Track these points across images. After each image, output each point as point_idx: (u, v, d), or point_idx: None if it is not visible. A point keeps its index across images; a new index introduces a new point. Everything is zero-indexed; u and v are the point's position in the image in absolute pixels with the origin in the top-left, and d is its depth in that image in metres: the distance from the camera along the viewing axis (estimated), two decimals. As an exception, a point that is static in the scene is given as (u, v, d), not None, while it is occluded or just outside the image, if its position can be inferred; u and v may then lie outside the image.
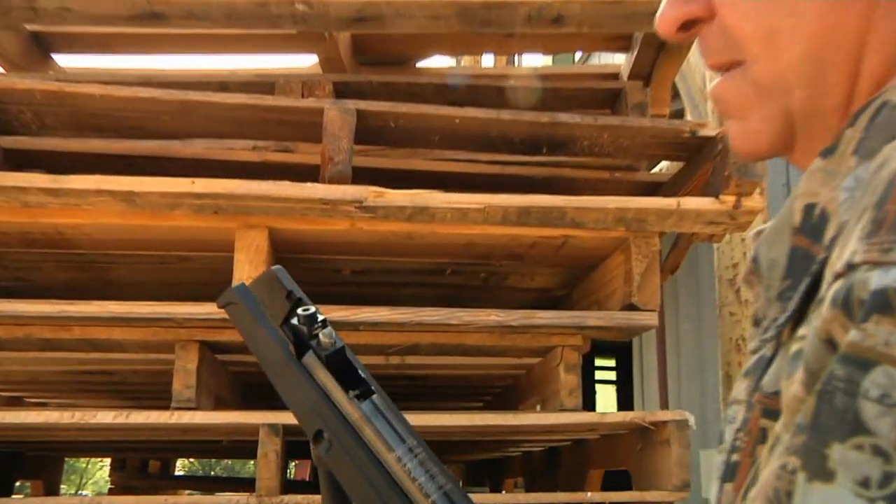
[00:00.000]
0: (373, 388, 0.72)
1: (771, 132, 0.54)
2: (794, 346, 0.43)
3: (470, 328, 1.85)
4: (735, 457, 0.48)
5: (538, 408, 2.18)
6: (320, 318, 0.73)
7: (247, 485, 1.98)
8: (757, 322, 0.52)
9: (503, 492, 3.69)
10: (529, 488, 3.21)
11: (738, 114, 0.55)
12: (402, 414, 0.72)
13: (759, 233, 0.54)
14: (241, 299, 0.77)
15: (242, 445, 2.20)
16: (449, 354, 2.11)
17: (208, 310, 1.73)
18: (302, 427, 0.73)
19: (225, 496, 1.71)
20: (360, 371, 0.73)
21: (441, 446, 3.16)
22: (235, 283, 1.71)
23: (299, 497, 1.70)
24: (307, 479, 6.67)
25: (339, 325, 1.76)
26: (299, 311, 0.73)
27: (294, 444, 1.84)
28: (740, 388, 0.51)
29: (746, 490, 0.44)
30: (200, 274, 2.12)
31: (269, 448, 1.73)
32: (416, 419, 1.73)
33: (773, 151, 0.55)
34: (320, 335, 0.72)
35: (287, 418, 1.69)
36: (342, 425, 0.71)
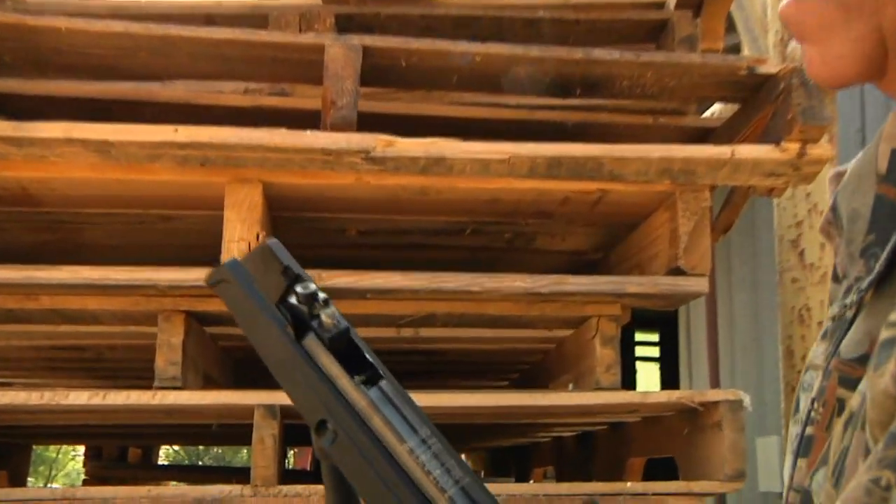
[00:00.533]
0: (381, 372, 0.73)
1: (859, 55, 0.52)
2: (886, 334, 0.42)
3: (493, 296, 1.86)
4: (810, 430, 0.48)
5: (570, 386, 2.19)
6: (321, 296, 0.74)
7: (240, 475, 2.00)
8: (836, 278, 0.52)
9: (531, 482, 3.70)
10: (561, 478, 3.23)
11: (818, 36, 0.53)
12: (413, 401, 0.73)
13: (838, 175, 0.53)
14: (234, 276, 0.77)
15: (235, 430, 2.21)
16: (469, 326, 2.12)
17: (195, 276, 1.74)
18: (303, 417, 0.74)
19: (216, 487, 1.73)
20: (366, 354, 0.74)
21: (461, 431, 3.20)
22: (226, 245, 1.74)
23: (299, 487, 1.73)
24: (308, 468, 6.74)
25: (344, 293, 1.80)
26: (298, 288, 0.74)
27: (293, 429, 1.86)
28: (817, 353, 0.51)
29: (815, 470, 0.44)
30: (186, 235, 2.14)
31: (266, 432, 1.75)
32: (432, 399, 1.77)
33: (860, 77, 0.53)
34: (322, 315, 0.73)
35: (285, 399, 1.64)
36: (348, 414, 0.72)
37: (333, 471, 0.75)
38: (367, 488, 0.71)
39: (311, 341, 0.73)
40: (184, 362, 1.82)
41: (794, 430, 0.51)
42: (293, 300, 0.74)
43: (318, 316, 0.73)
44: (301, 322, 0.74)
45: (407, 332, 2.16)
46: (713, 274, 1.88)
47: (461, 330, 2.19)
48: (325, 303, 0.74)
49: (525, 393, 1.86)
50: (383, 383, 0.73)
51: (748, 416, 1.82)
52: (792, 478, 0.48)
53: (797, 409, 0.52)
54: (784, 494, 0.50)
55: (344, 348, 0.73)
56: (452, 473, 0.70)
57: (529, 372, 3.02)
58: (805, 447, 0.48)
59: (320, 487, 1.67)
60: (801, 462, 0.48)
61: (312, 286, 0.74)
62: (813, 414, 0.48)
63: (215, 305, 1.83)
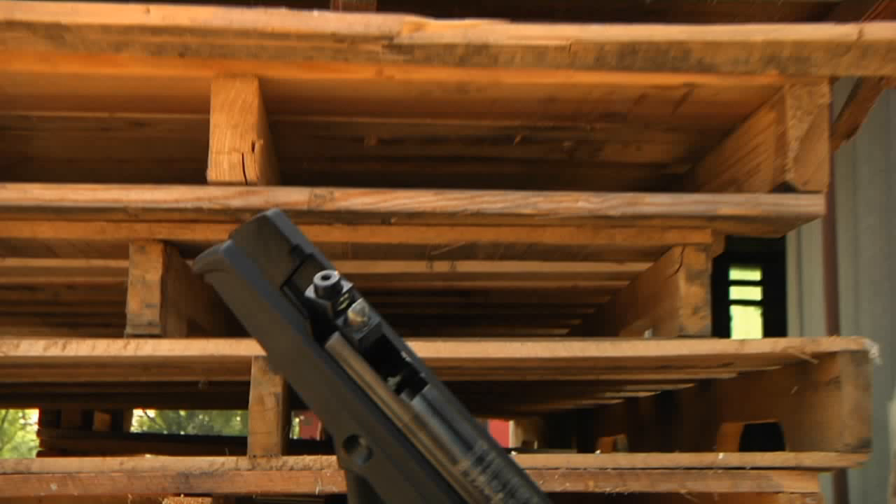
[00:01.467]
0: (423, 376, 0.77)
1: None
2: None
3: (549, 220, 1.86)
4: None
5: (647, 334, 2.20)
6: (346, 286, 0.77)
7: (234, 445, 2.02)
8: None
9: (597, 452, 3.70)
10: (635, 448, 3.25)
11: None
12: (466, 409, 0.77)
13: None
14: (233, 264, 0.80)
15: (227, 390, 2.27)
16: (519, 259, 2.13)
17: (174, 196, 1.76)
18: (329, 431, 0.78)
19: (205, 460, 1.75)
20: (405, 355, 0.77)
21: (508, 390, 3.23)
22: (213, 157, 1.76)
23: (309, 459, 1.75)
24: (318, 437, 6.84)
25: (361, 217, 1.83)
26: (318, 280, 0.76)
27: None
28: None
29: None
30: (162, 146, 2.15)
31: (266, 390, 1.78)
32: (472, 350, 1.79)
33: None
34: (349, 312, 0.76)
35: None
36: (387, 429, 0.75)
37: (361, 486, 0.78)
38: None
39: (337, 343, 0.77)
40: (162, 304, 1.84)
41: None
42: (311, 294, 0.77)
43: (343, 312, 0.77)
44: (323, 320, 0.77)
45: (441, 267, 2.18)
46: (832, 191, 1.87)
47: (509, 264, 2.21)
48: (352, 295, 0.77)
49: (590, 342, 1.85)
50: (428, 390, 0.76)
51: (876, 370, 1.82)
52: None
53: None
54: None
55: (378, 350, 0.77)
56: (518, 496, 0.73)
57: (594, 317, 3.03)
58: None
59: (334, 459, 1.70)
60: None
61: (334, 275, 0.77)
62: None
63: (201, 233, 1.86)
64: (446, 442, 0.74)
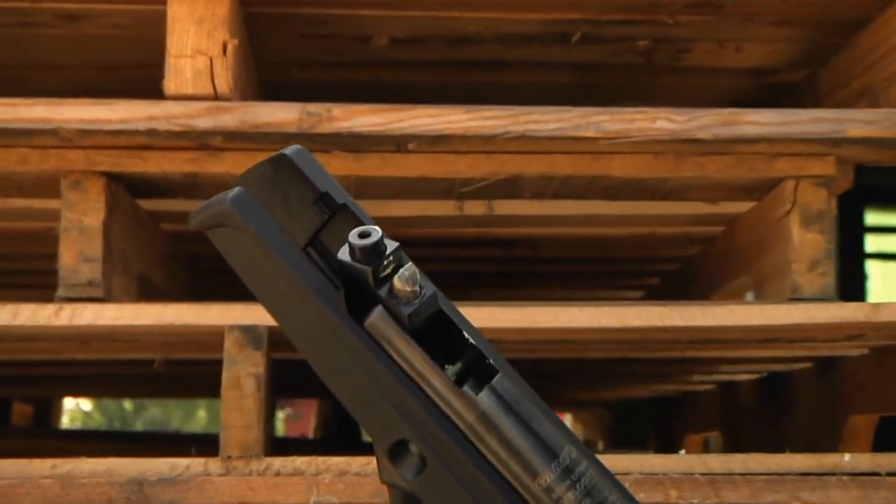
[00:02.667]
0: (493, 362, 0.77)
1: None
2: None
3: (618, 145, 1.86)
4: None
5: (749, 296, 2.20)
6: (390, 246, 0.77)
7: (199, 445, 2.01)
8: None
9: (681, 452, 3.69)
10: (732, 448, 3.25)
11: None
12: (546, 405, 0.77)
13: None
14: (243, 218, 0.80)
15: (190, 371, 2.30)
16: (577, 198, 2.14)
17: (120, 114, 1.76)
18: (369, 434, 0.78)
19: (164, 462, 1.75)
20: (468, 336, 0.77)
21: (562, 373, 3.20)
22: (171, 62, 1.78)
23: (300, 461, 1.74)
24: (311, 436, 6.88)
25: (370, 141, 1.83)
26: (355, 239, 0.76)
27: (284, 368, 1.91)
28: None
29: None
30: (104, 47, 2.16)
31: (244, 370, 1.76)
32: (516, 316, 1.79)
33: None
34: (395, 280, 0.76)
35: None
36: (445, 431, 0.76)
37: None
38: None
39: (379, 320, 0.77)
40: (106, 258, 1.84)
41: None
42: (346, 256, 0.76)
43: (387, 280, 0.76)
44: (361, 291, 0.77)
45: (474, 208, 2.18)
46: None
47: (563, 204, 2.20)
48: (397, 257, 0.77)
49: (672, 307, 1.83)
50: (498, 381, 0.77)
51: None
52: None
53: None
54: None
55: (432, 330, 0.77)
56: None
57: (677, 275, 3.05)
58: None
59: (335, 462, 1.72)
60: None
61: (375, 231, 0.76)
62: None
63: (156, 164, 1.86)
64: (523, 448, 0.74)
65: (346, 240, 0.76)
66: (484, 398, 0.75)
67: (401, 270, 0.75)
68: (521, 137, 1.83)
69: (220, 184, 1.85)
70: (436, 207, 2.19)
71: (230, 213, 0.79)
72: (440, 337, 0.77)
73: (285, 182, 0.78)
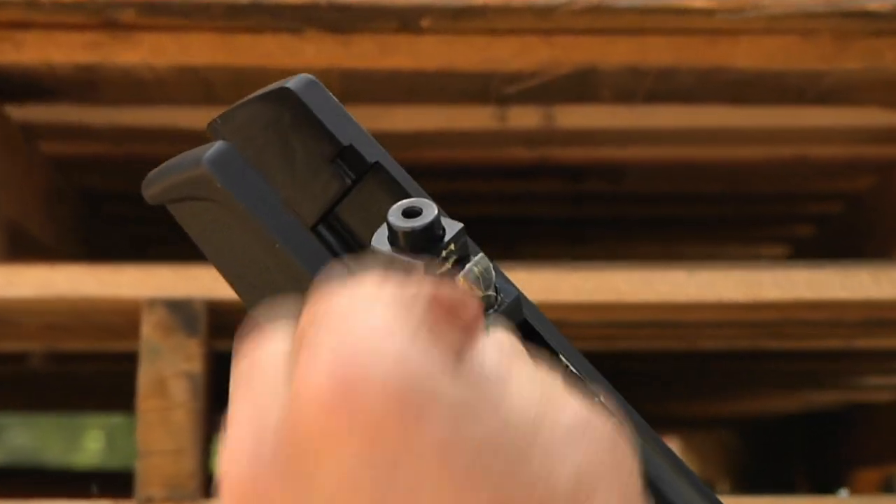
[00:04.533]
0: (596, 390, 0.66)
1: None
2: None
3: (745, 21, 1.70)
4: None
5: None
6: (452, 229, 0.62)
7: (102, 483, 1.73)
8: None
9: (843, 493, 3.47)
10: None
11: None
12: (654, 432, 0.65)
13: None
14: (230, 187, 0.64)
15: (84, 371, 2.13)
16: (682, 103, 2.02)
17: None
18: None
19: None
20: (564, 357, 0.65)
21: (660, 372, 3.09)
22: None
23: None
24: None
25: (362, 16, 1.70)
26: (396, 218, 0.61)
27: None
28: None
29: None
30: None
31: (172, 366, 1.61)
32: (586, 286, 1.63)
33: None
34: (460, 280, 0.63)
35: (221, 289, 1.45)
36: None
37: None
38: None
39: None
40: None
41: None
42: (382, 243, 0.62)
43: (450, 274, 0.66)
44: None
45: (524, 118, 2.02)
46: None
47: (662, 112, 2.11)
48: (461, 245, 0.63)
49: (830, 270, 1.63)
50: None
51: None
52: None
53: None
54: None
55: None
56: None
57: (841, 221, 2.77)
58: None
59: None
60: None
61: (428, 206, 0.62)
62: None
63: (35, 51, 1.73)
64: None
65: (378, 217, 0.62)
66: None
67: (468, 266, 0.61)
68: (596, 9, 1.68)
69: (132, 82, 1.73)
70: (464, 118, 2.07)
71: (208, 179, 0.63)
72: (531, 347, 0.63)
73: (288, 130, 0.63)
